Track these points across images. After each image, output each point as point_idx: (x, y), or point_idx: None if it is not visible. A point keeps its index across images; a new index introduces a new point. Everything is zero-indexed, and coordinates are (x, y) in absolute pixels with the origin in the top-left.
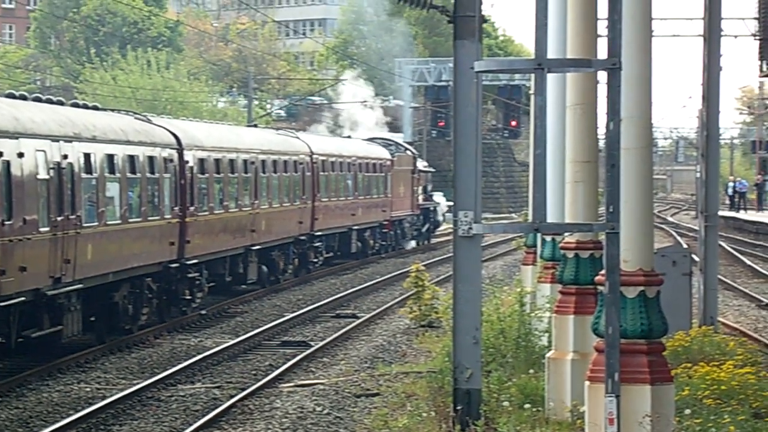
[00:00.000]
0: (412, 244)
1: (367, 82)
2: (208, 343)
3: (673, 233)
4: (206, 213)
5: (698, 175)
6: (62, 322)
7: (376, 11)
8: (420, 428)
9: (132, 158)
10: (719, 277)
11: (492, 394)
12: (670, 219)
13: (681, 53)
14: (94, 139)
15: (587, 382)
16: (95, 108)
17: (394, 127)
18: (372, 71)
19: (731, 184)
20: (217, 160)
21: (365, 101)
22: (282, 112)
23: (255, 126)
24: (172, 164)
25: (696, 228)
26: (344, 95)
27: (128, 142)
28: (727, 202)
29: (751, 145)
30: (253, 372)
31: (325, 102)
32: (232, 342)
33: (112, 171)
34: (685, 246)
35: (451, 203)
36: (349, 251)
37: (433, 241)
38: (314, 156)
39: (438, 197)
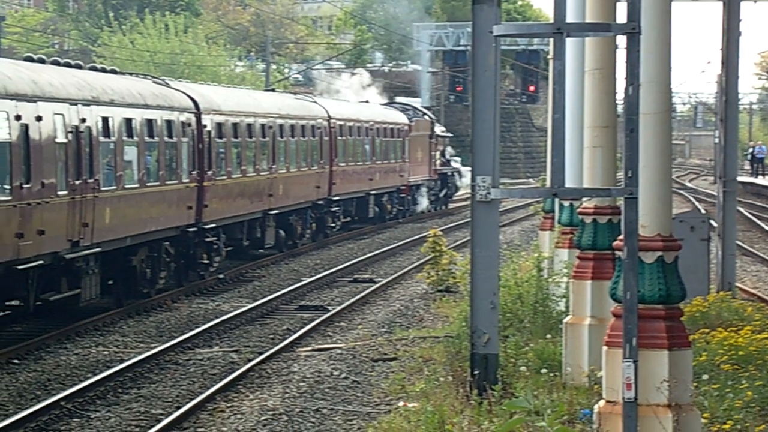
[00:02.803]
0: (425, 203)
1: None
2: (225, 307)
3: (692, 199)
4: (224, 177)
5: (717, 140)
6: (80, 285)
7: None
8: (437, 393)
9: (150, 122)
10: (737, 242)
11: (509, 359)
12: (689, 184)
13: (700, 18)
14: (112, 103)
15: (605, 347)
16: (113, 72)
17: (411, 92)
18: (390, 36)
19: (751, 149)
20: (234, 125)
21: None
22: (300, 77)
23: (273, 90)
24: (189, 128)
25: (714, 193)
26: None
27: (146, 106)
28: (747, 167)
29: None
30: (271, 336)
31: (343, 66)
32: (249, 306)
33: (130, 135)
34: (703, 211)
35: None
36: (367, 216)
37: (451, 206)
38: (332, 120)
39: (456, 164)
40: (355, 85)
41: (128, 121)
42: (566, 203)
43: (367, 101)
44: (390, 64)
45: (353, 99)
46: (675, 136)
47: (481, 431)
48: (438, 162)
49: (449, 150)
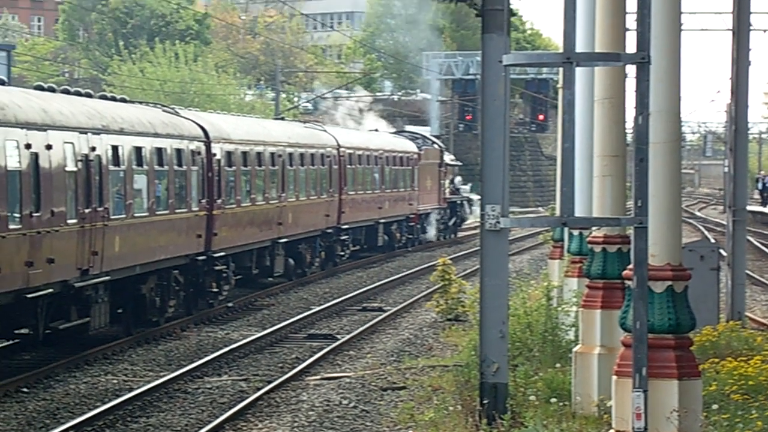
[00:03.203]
0: (434, 232)
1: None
2: (234, 336)
3: (701, 228)
4: (233, 206)
5: (726, 169)
6: (90, 313)
7: (404, 4)
8: (446, 422)
9: (160, 151)
10: (747, 271)
11: (518, 388)
12: (698, 213)
13: (709, 47)
14: (122, 132)
15: (614, 377)
16: (123, 100)
17: (420, 120)
18: (399, 65)
19: (762, 178)
20: (244, 153)
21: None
22: (309, 105)
23: (282, 119)
24: (199, 157)
25: (724, 223)
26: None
27: (156, 135)
28: (756, 196)
29: None
30: (280, 365)
31: (352, 95)
32: (258, 335)
33: (139, 163)
34: (712, 241)
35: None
36: (376, 244)
37: (460, 234)
38: (341, 149)
39: (466, 193)
40: (354, 111)
41: (138, 150)
42: (575, 232)
43: (376, 130)
44: (399, 93)
45: (352, 125)
46: (684, 165)
47: None
48: (447, 190)
49: (458, 179)
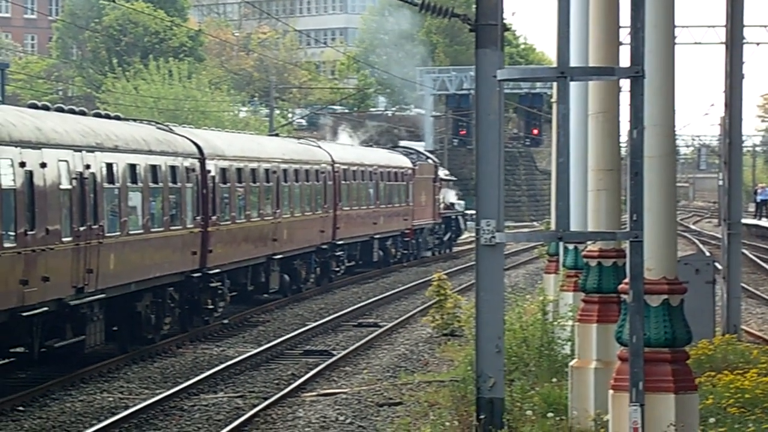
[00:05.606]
0: (429, 247)
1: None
2: (230, 353)
3: (696, 241)
4: (228, 222)
5: (721, 182)
6: (85, 331)
7: (397, 20)
8: None
9: (154, 168)
10: (742, 284)
11: (515, 403)
12: (693, 227)
13: (703, 61)
14: (116, 149)
15: (611, 391)
16: (117, 118)
17: (415, 136)
18: (393, 80)
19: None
20: (238, 170)
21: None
22: (303, 121)
23: (276, 135)
24: (194, 174)
25: (719, 236)
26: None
27: (150, 152)
28: (751, 209)
29: None
30: (276, 381)
31: (346, 111)
32: (254, 351)
33: (134, 181)
34: (708, 254)
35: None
36: (371, 260)
37: (455, 249)
38: (336, 165)
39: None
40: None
41: (132, 167)
42: (571, 246)
43: (370, 145)
44: (393, 108)
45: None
46: (678, 178)
47: None
48: (442, 205)
49: (452, 194)
